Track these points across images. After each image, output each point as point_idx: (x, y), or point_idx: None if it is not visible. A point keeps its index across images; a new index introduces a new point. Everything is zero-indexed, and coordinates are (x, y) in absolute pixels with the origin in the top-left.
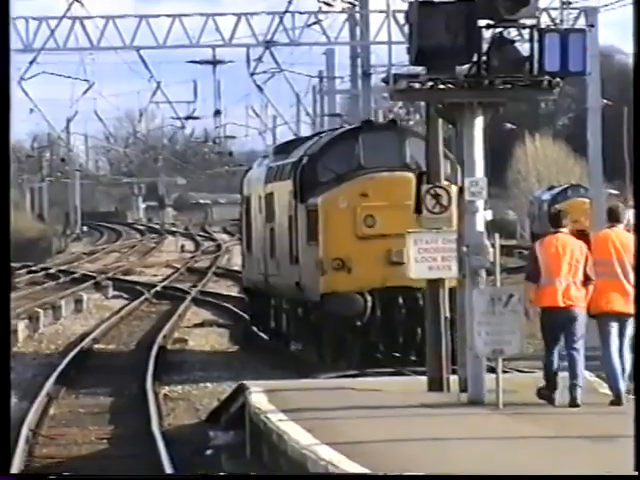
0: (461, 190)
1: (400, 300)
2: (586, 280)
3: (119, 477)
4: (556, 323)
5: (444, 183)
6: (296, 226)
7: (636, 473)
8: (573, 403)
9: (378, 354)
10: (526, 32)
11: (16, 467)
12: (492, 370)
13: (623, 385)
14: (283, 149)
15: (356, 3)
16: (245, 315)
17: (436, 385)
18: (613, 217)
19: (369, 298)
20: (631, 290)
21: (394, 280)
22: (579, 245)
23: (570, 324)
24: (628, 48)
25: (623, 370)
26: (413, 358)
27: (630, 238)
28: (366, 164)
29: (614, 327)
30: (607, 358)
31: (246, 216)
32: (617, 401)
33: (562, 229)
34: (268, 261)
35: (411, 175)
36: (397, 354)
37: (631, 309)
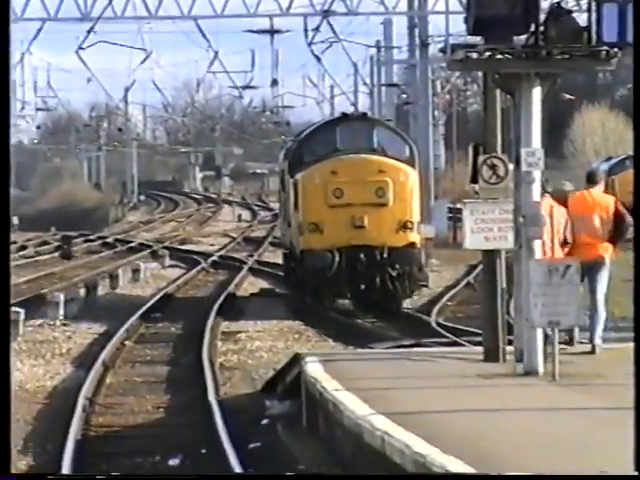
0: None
1: (362, 256)
2: (565, 242)
3: (120, 477)
4: None
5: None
6: (288, 197)
7: (636, 473)
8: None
9: (345, 299)
10: (584, 2)
11: (73, 435)
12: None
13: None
14: (301, 132)
15: None
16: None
17: (492, 356)
18: (591, 180)
19: (337, 254)
20: (600, 242)
21: (357, 240)
22: (562, 210)
23: None
24: None
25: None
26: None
27: (604, 197)
28: (341, 147)
29: (587, 275)
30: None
31: (278, 187)
32: (593, 351)
33: (547, 195)
34: (284, 224)
35: (373, 157)
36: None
37: (601, 256)
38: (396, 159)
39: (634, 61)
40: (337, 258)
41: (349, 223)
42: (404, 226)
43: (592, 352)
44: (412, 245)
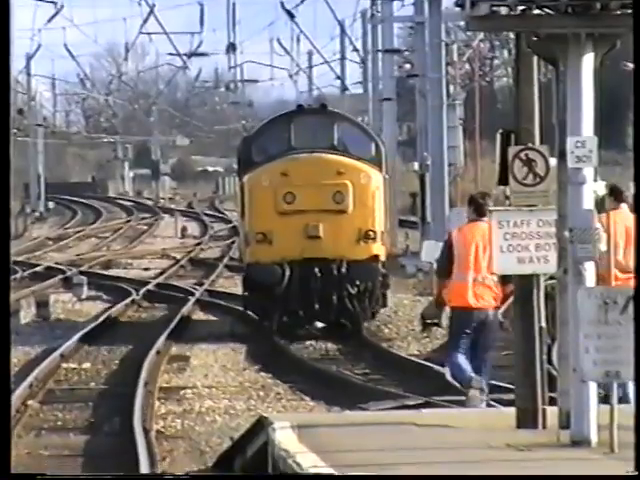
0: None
1: (316, 270)
2: (506, 278)
3: (117, 477)
4: (467, 325)
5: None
6: (237, 202)
7: (636, 473)
8: None
9: (297, 319)
10: None
11: None
12: (605, 399)
13: None
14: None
15: None
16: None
17: (528, 419)
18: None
19: (287, 268)
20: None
21: (311, 252)
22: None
23: (484, 327)
24: None
25: None
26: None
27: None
28: (296, 145)
29: None
30: None
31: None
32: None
33: (484, 218)
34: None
35: (330, 156)
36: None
37: None
38: (358, 158)
39: (634, 60)
40: (288, 273)
41: (302, 233)
42: (365, 236)
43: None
44: (375, 258)
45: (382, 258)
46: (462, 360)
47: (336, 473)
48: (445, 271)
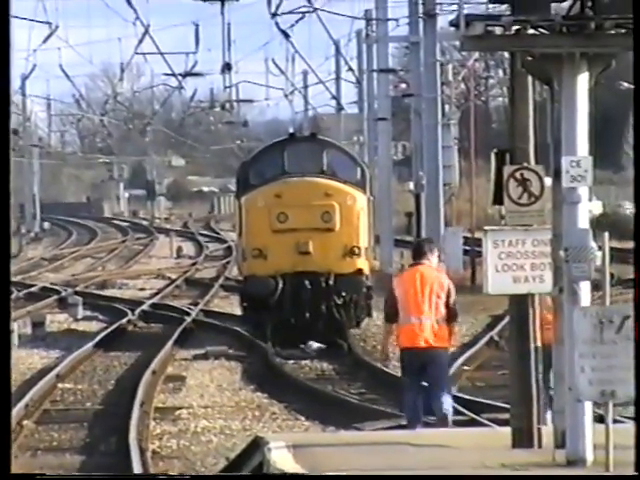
0: None
1: (306, 283)
2: (449, 317)
3: (117, 477)
4: (415, 365)
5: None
6: (235, 221)
7: (636, 473)
8: None
9: (289, 327)
10: None
11: None
12: (600, 419)
13: None
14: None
15: None
16: (263, 343)
17: (523, 439)
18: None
19: (280, 281)
20: None
21: (301, 266)
22: (439, 278)
23: (431, 366)
24: None
25: None
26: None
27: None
28: (289, 170)
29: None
30: None
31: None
32: None
33: (424, 261)
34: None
35: (319, 180)
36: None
37: None
38: (345, 182)
39: (634, 60)
40: (281, 285)
41: (294, 249)
42: (351, 252)
43: None
44: (359, 272)
45: (366, 272)
46: (413, 402)
47: None
48: (391, 316)
